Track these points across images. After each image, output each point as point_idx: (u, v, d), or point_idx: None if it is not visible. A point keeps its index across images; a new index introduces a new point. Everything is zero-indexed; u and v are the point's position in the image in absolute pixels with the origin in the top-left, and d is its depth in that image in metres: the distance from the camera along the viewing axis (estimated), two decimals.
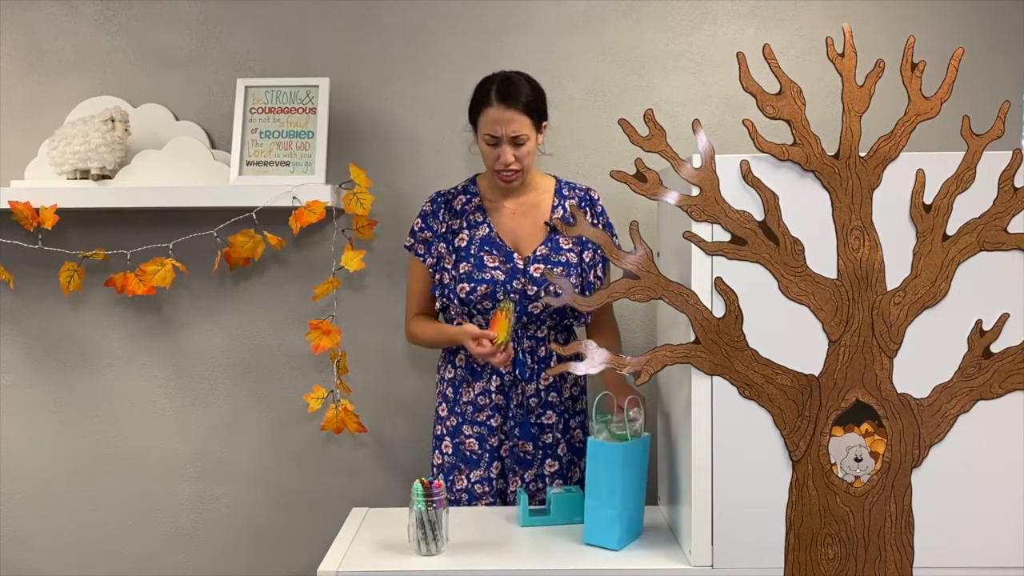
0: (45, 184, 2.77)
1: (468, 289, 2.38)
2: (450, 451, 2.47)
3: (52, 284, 2.83)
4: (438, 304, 2.46)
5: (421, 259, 2.48)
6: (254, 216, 2.71)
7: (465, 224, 2.46)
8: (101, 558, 2.98)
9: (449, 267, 2.43)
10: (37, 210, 2.67)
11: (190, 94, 2.91)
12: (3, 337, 2.95)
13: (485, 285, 2.38)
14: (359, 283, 2.93)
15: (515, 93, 2.34)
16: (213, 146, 2.88)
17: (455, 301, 2.41)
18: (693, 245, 1.89)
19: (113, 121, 2.71)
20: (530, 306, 2.39)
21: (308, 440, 2.96)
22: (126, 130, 2.76)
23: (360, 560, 1.98)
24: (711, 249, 1.89)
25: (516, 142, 2.34)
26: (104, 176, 2.75)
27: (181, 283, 2.88)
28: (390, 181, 2.90)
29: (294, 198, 2.68)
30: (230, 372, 2.96)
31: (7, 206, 2.67)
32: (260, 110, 2.81)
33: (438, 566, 1.94)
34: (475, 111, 2.39)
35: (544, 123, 2.42)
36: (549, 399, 2.45)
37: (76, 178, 2.75)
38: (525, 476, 2.44)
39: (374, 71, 2.90)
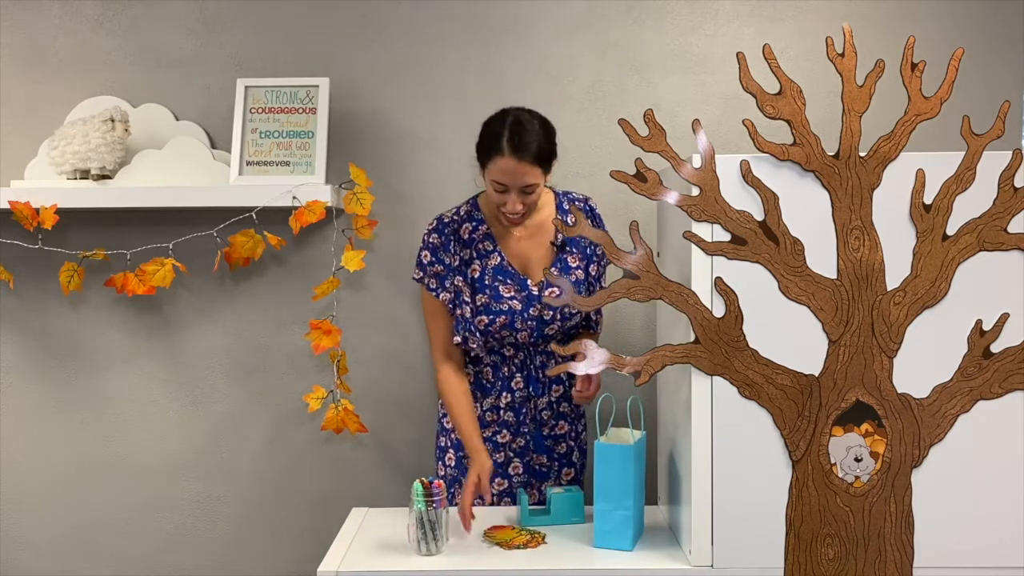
0: (45, 184, 2.77)
1: (487, 321, 2.36)
2: (453, 463, 2.47)
3: (52, 284, 2.83)
4: (458, 338, 2.38)
5: (434, 294, 2.39)
6: (254, 216, 2.71)
7: (475, 254, 2.40)
8: (101, 558, 2.98)
9: (468, 300, 2.37)
10: (37, 210, 2.67)
11: (190, 94, 2.91)
12: (3, 337, 2.95)
13: (504, 316, 2.36)
14: (359, 283, 2.93)
15: (527, 143, 2.22)
16: (213, 146, 2.87)
17: (476, 334, 2.37)
18: (693, 245, 1.89)
19: (113, 121, 2.71)
20: (546, 329, 2.38)
21: (308, 440, 2.96)
22: (126, 130, 2.75)
23: (360, 560, 1.98)
24: (711, 249, 1.89)
25: (525, 191, 2.27)
26: (104, 176, 2.75)
27: (181, 283, 2.88)
28: (390, 181, 2.90)
29: (294, 198, 2.68)
30: (230, 372, 2.96)
31: (7, 206, 2.67)
32: (260, 110, 2.81)
33: (438, 566, 1.94)
34: (485, 155, 2.27)
35: (553, 161, 2.32)
36: (561, 409, 2.45)
37: (76, 178, 2.75)
38: (542, 488, 2.44)
39: (374, 71, 2.90)
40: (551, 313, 2.37)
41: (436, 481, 1.99)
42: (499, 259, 2.39)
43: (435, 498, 1.97)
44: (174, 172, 2.78)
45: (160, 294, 2.85)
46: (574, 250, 2.41)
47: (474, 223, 2.41)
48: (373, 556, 2.00)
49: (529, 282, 2.38)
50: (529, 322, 2.36)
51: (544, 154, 2.26)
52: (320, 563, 1.95)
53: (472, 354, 2.44)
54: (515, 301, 2.36)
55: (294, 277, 2.93)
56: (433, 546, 1.98)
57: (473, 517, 2.16)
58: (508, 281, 2.38)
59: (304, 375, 2.94)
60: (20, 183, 2.79)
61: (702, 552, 1.93)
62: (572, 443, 2.48)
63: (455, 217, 2.42)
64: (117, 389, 2.96)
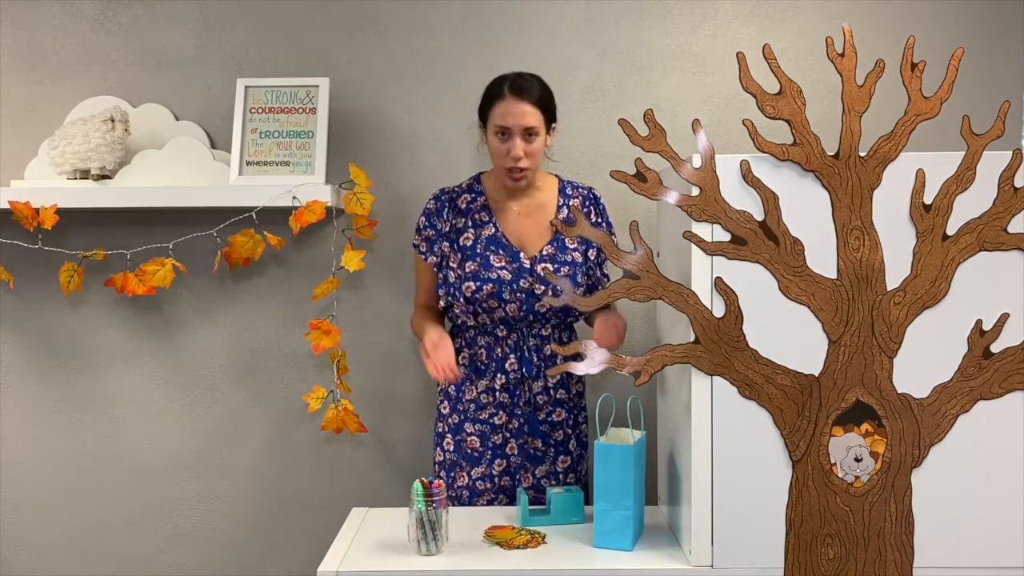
0: (45, 184, 2.77)
1: (474, 288, 2.39)
2: (451, 448, 2.48)
3: (52, 284, 2.83)
4: (442, 303, 2.47)
5: (424, 257, 2.49)
6: (254, 216, 2.71)
7: (470, 223, 2.46)
8: (101, 558, 2.98)
9: (455, 266, 2.43)
10: (37, 210, 2.67)
11: (190, 94, 2.91)
12: (3, 337, 2.95)
13: (491, 284, 2.38)
14: (359, 283, 2.93)
15: (528, 88, 2.36)
16: (213, 146, 2.88)
17: (460, 300, 2.41)
18: (693, 245, 1.89)
19: (113, 121, 2.71)
20: (536, 305, 2.39)
21: (308, 440, 2.96)
22: (126, 130, 2.75)
23: (360, 560, 1.98)
24: (711, 249, 1.89)
25: (527, 135, 2.34)
26: (104, 176, 2.75)
27: (181, 283, 2.88)
28: (390, 181, 2.90)
29: (294, 198, 2.68)
30: (230, 372, 2.96)
31: (7, 206, 2.67)
32: (260, 110, 2.81)
33: (438, 566, 1.94)
34: (486, 106, 2.40)
35: (553, 124, 2.43)
36: (558, 396, 2.45)
37: (76, 178, 2.75)
38: (536, 472, 2.45)
39: (374, 71, 2.90)
40: (542, 288, 2.38)
41: (436, 481, 1.99)
42: (494, 230, 2.44)
43: (435, 498, 1.97)
44: (174, 172, 2.78)
45: (160, 294, 2.85)
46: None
47: (473, 194, 2.49)
48: (373, 556, 2.00)
49: (522, 255, 2.41)
50: (518, 294, 2.38)
51: (544, 102, 2.38)
52: (320, 563, 1.95)
53: (463, 328, 2.47)
54: (505, 271, 2.39)
55: (294, 277, 2.93)
56: (433, 546, 1.98)
57: (455, 374, 2.30)
58: (500, 252, 2.42)
59: (304, 375, 2.94)
60: (20, 183, 2.79)
61: (702, 552, 1.93)
62: (569, 431, 2.47)
63: (456, 188, 2.51)
64: (117, 389, 2.96)
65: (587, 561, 1.97)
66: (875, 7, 2.87)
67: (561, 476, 2.45)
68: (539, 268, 2.39)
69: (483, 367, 2.45)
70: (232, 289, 2.94)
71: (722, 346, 1.88)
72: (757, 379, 1.89)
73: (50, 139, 2.77)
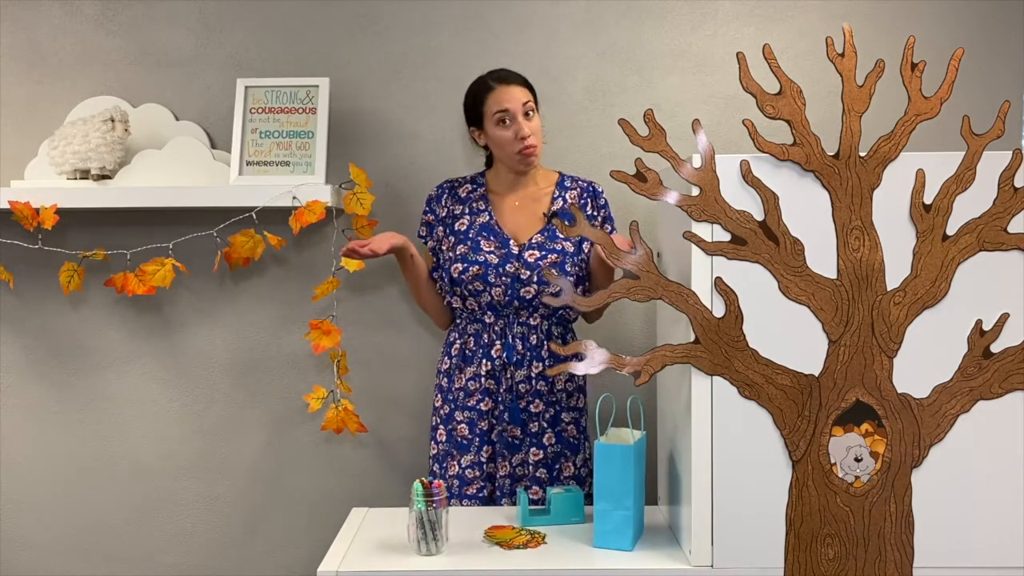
0: (45, 184, 2.77)
1: (460, 269, 2.43)
2: (444, 438, 2.51)
3: (52, 284, 2.83)
4: (436, 285, 2.54)
5: (424, 241, 2.56)
6: (254, 216, 2.71)
7: (467, 211, 2.51)
8: (101, 558, 2.98)
9: (445, 249, 2.49)
10: (37, 210, 2.67)
11: (190, 94, 2.91)
12: (3, 337, 2.95)
13: (477, 267, 2.42)
14: (359, 283, 2.93)
15: (510, 75, 2.47)
16: (213, 146, 2.88)
17: (445, 280, 2.46)
18: (693, 245, 1.89)
19: (113, 121, 2.71)
20: (522, 290, 2.41)
21: (308, 440, 2.96)
22: (126, 130, 2.75)
23: (360, 560, 1.98)
24: (711, 249, 1.89)
25: (527, 112, 2.42)
26: (104, 176, 2.75)
27: (181, 283, 2.88)
28: (390, 181, 2.90)
29: (294, 198, 2.68)
30: (230, 372, 2.96)
31: (7, 206, 2.67)
32: (260, 110, 2.81)
33: (438, 566, 1.94)
34: (477, 105, 2.46)
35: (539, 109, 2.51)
36: (538, 387, 2.46)
37: (76, 178, 2.75)
38: (512, 460, 2.46)
39: (374, 71, 2.90)
40: (528, 273, 2.41)
41: (436, 481, 1.99)
42: (488, 218, 2.49)
43: (435, 498, 1.97)
44: (174, 172, 2.78)
45: (160, 294, 2.85)
46: (566, 221, 2.43)
47: (474, 186, 2.56)
48: (373, 556, 2.00)
49: (512, 242, 2.45)
50: (504, 278, 2.41)
51: (528, 84, 2.47)
52: (320, 563, 1.95)
53: (454, 315, 2.53)
54: (493, 255, 2.43)
55: (294, 277, 2.93)
56: (433, 546, 1.98)
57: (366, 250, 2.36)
58: (491, 238, 2.46)
59: (304, 375, 2.94)
60: (20, 183, 2.79)
61: (702, 552, 1.93)
62: (545, 424, 2.47)
63: (459, 179, 2.59)
64: (117, 389, 2.96)
65: (587, 561, 1.97)
66: (875, 7, 2.87)
67: (531, 468, 2.45)
68: (527, 254, 2.42)
69: (471, 354, 2.47)
70: (232, 289, 2.94)
71: (722, 346, 1.88)
72: (757, 379, 1.89)
73: (50, 139, 2.77)
